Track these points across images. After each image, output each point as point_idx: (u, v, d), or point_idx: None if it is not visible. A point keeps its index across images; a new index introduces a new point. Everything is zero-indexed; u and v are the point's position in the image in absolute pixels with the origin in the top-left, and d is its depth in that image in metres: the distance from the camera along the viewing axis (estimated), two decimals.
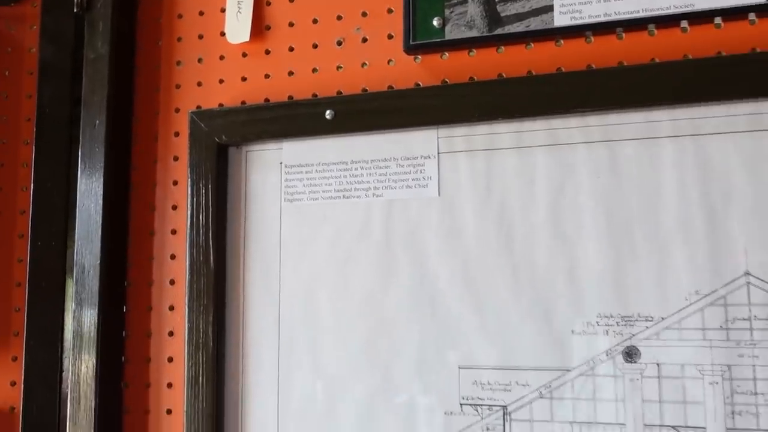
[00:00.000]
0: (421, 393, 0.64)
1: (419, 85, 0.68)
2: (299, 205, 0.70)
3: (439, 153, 0.66)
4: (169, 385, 0.73)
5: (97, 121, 0.76)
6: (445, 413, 0.63)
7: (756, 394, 0.56)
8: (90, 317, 0.72)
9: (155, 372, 0.74)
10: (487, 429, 0.62)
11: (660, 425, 0.58)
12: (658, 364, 0.58)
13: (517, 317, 0.62)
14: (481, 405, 0.62)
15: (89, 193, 0.75)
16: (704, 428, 0.57)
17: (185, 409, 0.69)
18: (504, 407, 0.61)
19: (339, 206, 0.68)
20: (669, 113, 0.60)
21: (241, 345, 0.70)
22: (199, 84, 0.76)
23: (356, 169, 0.68)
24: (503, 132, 0.64)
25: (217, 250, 0.70)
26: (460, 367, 0.63)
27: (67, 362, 0.74)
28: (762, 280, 0.56)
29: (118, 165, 0.77)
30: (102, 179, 0.75)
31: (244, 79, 0.74)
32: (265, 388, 0.68)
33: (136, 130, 0.78)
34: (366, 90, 0.69)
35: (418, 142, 0.67)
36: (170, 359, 0.73)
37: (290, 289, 0.69)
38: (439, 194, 0.65)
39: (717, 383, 0.57)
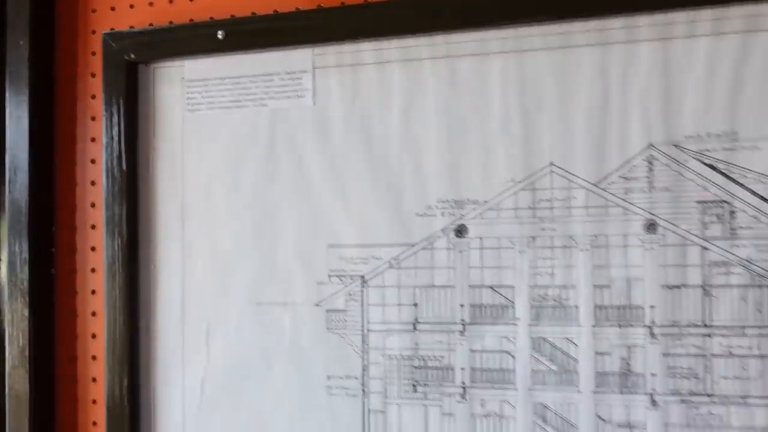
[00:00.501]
0: (297, 267, 0.77)
1: (299, 9, 0.79)
2: (199, 114, 0.81)
3: (314, 68, 0.77)
4: (93, 270, 0.86)
5: (21, 42, 0.86)
6: (317, 283, 0.77)
7: (552, 258, 0.70)
8: (21, 211, 0.84)
9: (81, 260, 0.86)
10: (350, 294, 0.76)
11: (481, 286, 0.72)
12: (481, 238, 0.72)
13: (374, 204, 0.75)
14: (345, 275, 0.76)
15: (17, 105, 0.85)
16: (513, 287, 0.71)
17: (105, 289, 0.82)
18: (362, 277, 0.75)
19: (232, 114, 0.80)
20: (497, 33, 0.72)
21: (151, 232, 0.82)
22: (113, 9, 0.86)
23: (246, 82, 0.80)
24: (366, 50, 0.76)
25: (129, 154, 0.82)
26: (329, 246, 0.76)
27: (2, 252, 0.86)
28: (562, 169, 0.70)
29: (42, 81, 0.87)
30: (28, 93, 0.85)
31: (151, 4, 0.84)
32: (171, 267, 0.81)
33: (58, 50, 0.88)
34: (254, 13, 0.80)
35: (296, 58, 0.78)
36: (93, 248, 0.86)
37: (192, 185, 0.81)
38: (314, 103, 0.77)
39: (524, 251, 0.71)
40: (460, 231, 0.73)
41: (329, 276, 0.76)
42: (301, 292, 0.77)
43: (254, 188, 0.79)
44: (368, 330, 0.75)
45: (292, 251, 0.77)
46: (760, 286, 0.65)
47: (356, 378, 0.75)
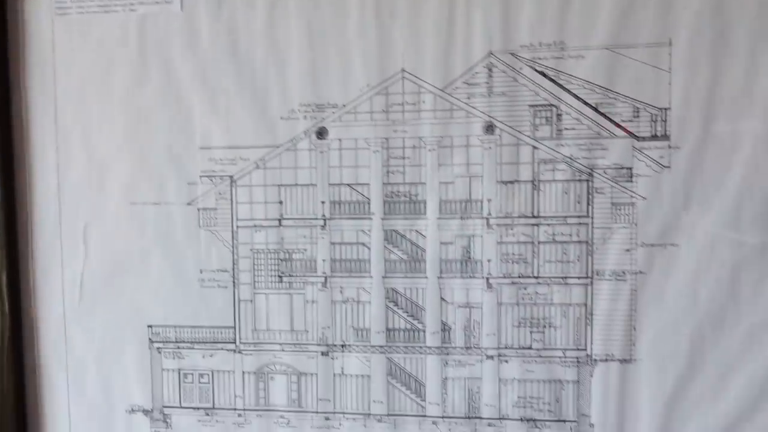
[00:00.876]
0: (170, 168, 0.81)
1: None
2: (69, 18, 0.82)
3: None
4: None
5: None
6: (189, 183, 0.81)
7: (404, 158, 0.77)
8: None
9: None
10: (220, 194, 0.80)
11: (340, 183, 0.78)
12: (340, 140, 0.78)
13: (240, 108, 0.79)
14: (215, 176, 0.80)
15: None
16: (368, 184, 0.78)
17: None
18: (231, 177, 0.80)
19: (102, 19, 0.81)
20: None
21: (25, 136, 0.83)
22: None
23: None
24: None
25: None
26: (199, 148, 0.80)
27: None
28: (412, 75, 0.76)
29: None
30: None
31: None
32: (46, 168, 0.83)
33: None
34: None
35: None
36: None
37: (64, 90, 0.82)
38: (181, 9, 0.80)
39: (378, 151, 0.77)
40: (321, 133, 0.78)
41: (200, 176, 0.81)
42: (174, 192, 0.81)
43: (126, 92, 0.81)
44: (237, 226, 0.80)
45: (164, 153, 0.81)
46: (579, 181, 0.74)
47: (227, 271, 0.81)
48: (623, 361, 0.75)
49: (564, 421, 0.77)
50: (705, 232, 0.72)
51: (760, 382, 0.73)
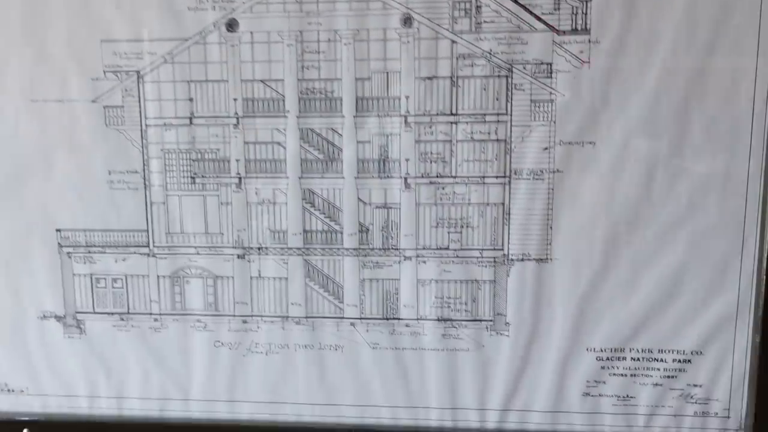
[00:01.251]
0: (71, 63, 0.76)
1: None
2: None
3: None
4: None
5: None
6: (92, 79, 0.76)
7: (318, 52, 0.74)
8: None
9: None
10: (126, 90, 0.76)
11: (252, 80, 0.75)
12: (251, 33, 0.74)
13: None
14: (120, 71, 0.76)
15: None
16: (282, 80, 0.74)
17: None
18: (138, 72, 0.76)
19: None
20: None
21: None
22: None
23: None
24: None
25: None
26: (101, 41, 0.75)
27: None
28: None
29: None
30: None
31: None
32: None
33: None
34: None
35: None
36: None
37: None
38: None
39: (292, 45, 0.74)
40: (231, 25, 0.74)
41: (104, 72, 0.76)
42: (77, 88, 0.76)
43: None
44: (146, 125, 0.77)
45: (63, 47, 0.75)
46: (498, 77, 0.72)
47: (137, 172, 0.78)
48: (539, 260, 0.75)
49: (480, 320, 0.78)
50: (621, 130, 0.72)
51: (669, 280, 0.74)
